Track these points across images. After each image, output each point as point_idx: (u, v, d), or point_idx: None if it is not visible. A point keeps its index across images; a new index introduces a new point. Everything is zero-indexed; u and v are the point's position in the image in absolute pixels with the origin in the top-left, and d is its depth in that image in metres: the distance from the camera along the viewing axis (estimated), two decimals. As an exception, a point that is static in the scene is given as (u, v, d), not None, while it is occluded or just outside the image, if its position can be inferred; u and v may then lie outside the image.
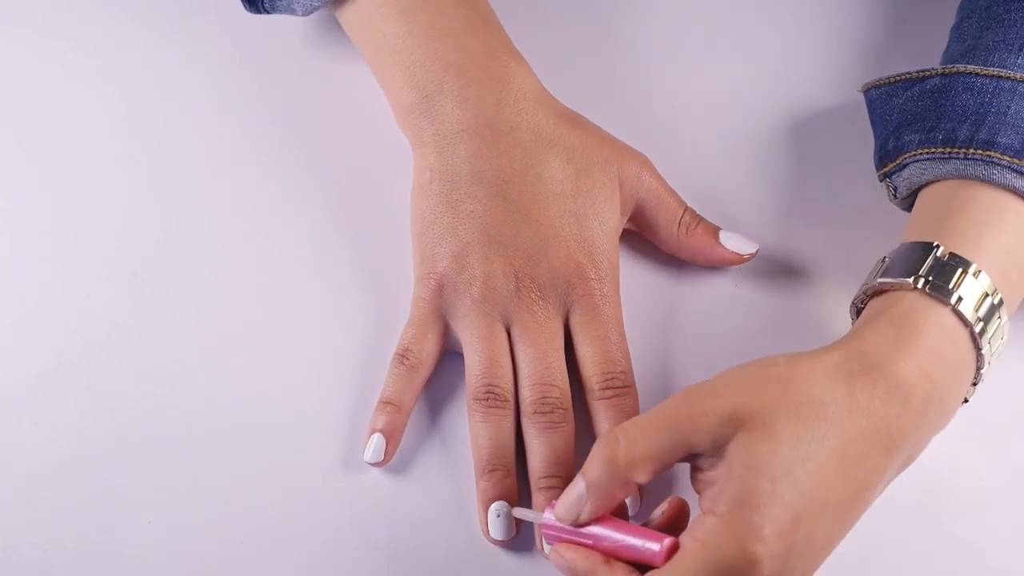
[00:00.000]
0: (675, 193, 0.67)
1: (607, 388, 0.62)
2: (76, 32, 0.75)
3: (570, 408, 0.62)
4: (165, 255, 0.69)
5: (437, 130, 0.65)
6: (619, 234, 0.66)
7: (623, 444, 0.54)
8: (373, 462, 0.62)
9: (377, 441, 0.62)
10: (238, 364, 0.66)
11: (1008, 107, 0.59)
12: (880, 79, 0.63)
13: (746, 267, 0.67)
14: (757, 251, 0.66)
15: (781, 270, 0.67)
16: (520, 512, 0.59)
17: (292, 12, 0.70)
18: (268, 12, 0.70)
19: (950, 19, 0.70)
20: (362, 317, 0.67)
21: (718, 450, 0.53)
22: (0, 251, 0.69)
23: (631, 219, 0.67)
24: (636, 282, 0.67)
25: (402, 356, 0.63)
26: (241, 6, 0.71)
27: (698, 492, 0.54)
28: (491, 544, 0.61)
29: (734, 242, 0.66)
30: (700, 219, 0.66)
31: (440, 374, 0.65)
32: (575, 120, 0.66)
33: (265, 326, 0.67)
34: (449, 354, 0.65)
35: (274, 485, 0.63)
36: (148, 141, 0.72)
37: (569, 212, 0.64)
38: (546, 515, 0.57)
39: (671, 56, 0.73)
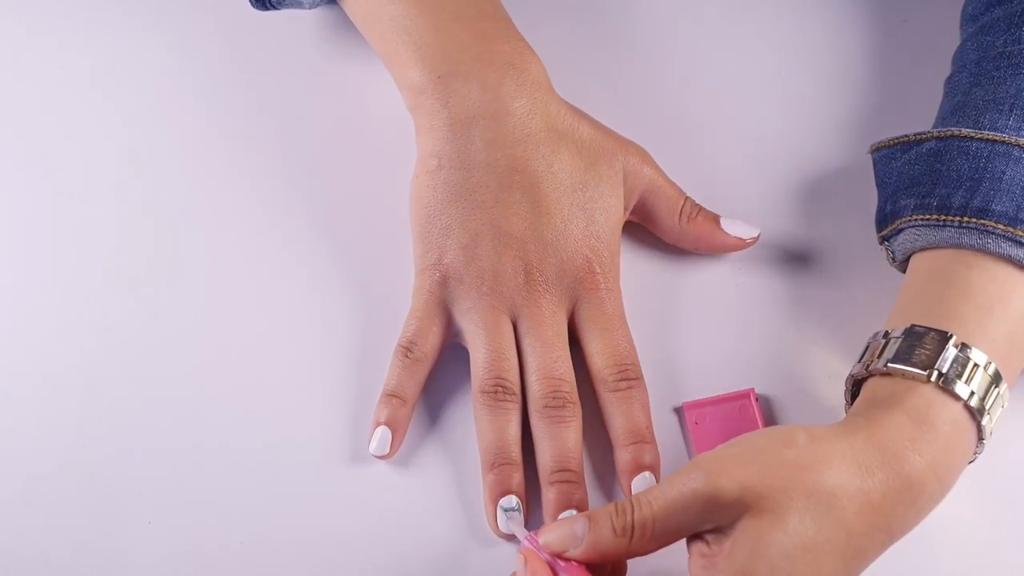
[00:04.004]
0: (674, 184, 0.67)
1: (622, 380, 0.62)
2: (75, 32, 0.74)
3: (578, 402, 0.62)
4: (165, 252, 0.68)
5: (450, 113, 0.64)
6: (621, 227, 0.66)
7: (636, 522, 0.54)
8: (379, 455, 0.62)
9: (382, 434, 0.62)
10: (238, 360, 0.66)
11: (1003, 172, 0.58)
12: (883, 141, 0.63)
13: (746, 257, 0.67)
14: (759, 235, 0.66)
15: (782, 260, 0.67)
16: (515, 525, 0.60)
17: (299, 6, 0.69)
18: (276, 8, 0.69)
19: (950, 19, 0.70)
20: (360, 309, 0.67)
21: (724, 529, 0.53)
22: (0, 253, 0.69)
23: (633, 211, 0.67)
24: (636, 274, 0.67)
25: (406, 349, 0.63)
26: (243, 4, 0.70)
27: (690, 554, 0.55)
28: (498, 537, 0.61)
29: (736, 227, 0.66)
30: (700, 208, 0.67)
31: (444, 366, 0.65)
32: (579, 113, 0.66)
33: (264, 322, 0.67)
34: (454, 347, 0.65)
35: (277, 481, 0.63)
36: (148, 141, 0.71)
37: (577, 206, 0.64)
38: (526, 541, 0.56)
39: (671, 52, 0.73)
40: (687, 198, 0.67)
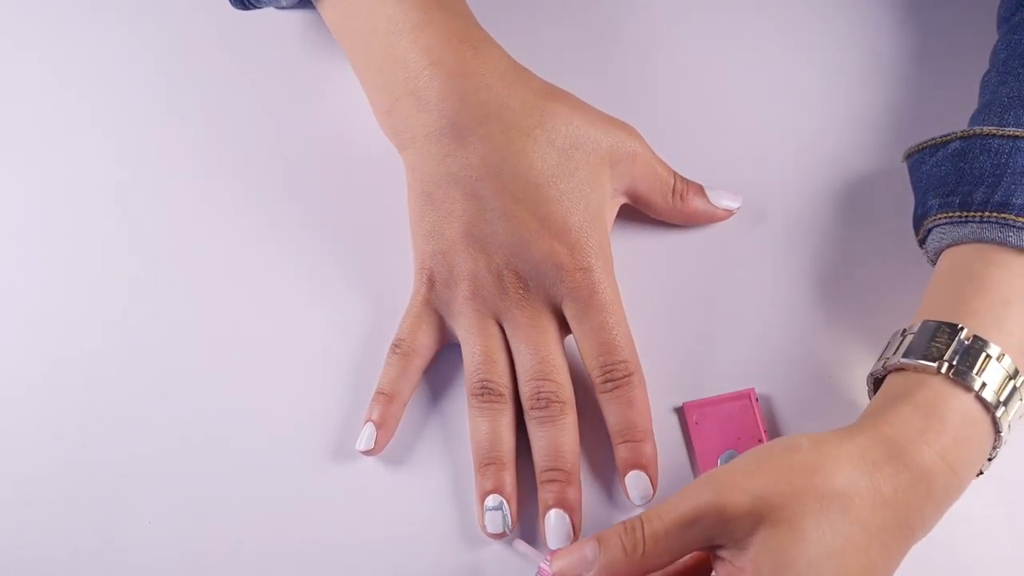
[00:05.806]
0: (663, 162, 0.67)
1: (607, 381, 0.62)
2: (75, 32, 0.75)
3: (570, 400, 0.63)
4: (165, 252, 0.69)
5: (412, 134, 0.64)
6: (610, 212, 0.66)
7: (646, 537, 0.54)
8: (364, 451, 0.63)
9: (368, 430, 0.63)
10: (238, 360, 0.66)
11: None
12: (913, 146, 0.63)
13: (747, 257, 0.67)
14: (740, 204, 0.68)
15: (782, 260, 0.67)
16: (521, 546, 0.60)
17: (277, 5, 0.70)
18: (255, 7, 0.70)
19: (950, 19, 0.71)
20: (362, 312, 0.67)
21: (741, 542, 0.53)
22: (0, 253, 0.69)
23: (624, 193, 0.67)
24: (635, 274, 0.67)
25: (395, 346, 0.64)
26: (227, 5, 0.71)
27: (718, 574, 0.54)
28: (488, 538, 0.62)
29: (724, 200, 0.68)
30: (688, 183, 0.67)
31: (442, 368, 0.65)
32: (555, 96, 0.65)
33: (263, 322, 0.67)
34: (451, 348, 0.65)
35: (277, 481, 0.63)
36: (147, 140, 0.72)
37: (550, 200, 0.63)
38: (544, 565, 0.57)
39: (672, 53, 0.73)
40: (676, 175, 0.67)
